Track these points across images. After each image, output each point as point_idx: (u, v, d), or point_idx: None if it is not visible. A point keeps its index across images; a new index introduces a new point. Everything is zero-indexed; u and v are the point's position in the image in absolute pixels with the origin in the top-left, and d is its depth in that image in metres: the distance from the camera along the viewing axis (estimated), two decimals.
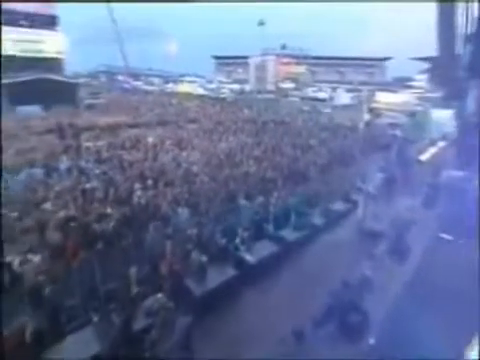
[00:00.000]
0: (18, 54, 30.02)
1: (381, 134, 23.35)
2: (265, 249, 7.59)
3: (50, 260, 5.98)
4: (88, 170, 11.50)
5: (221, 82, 74.49)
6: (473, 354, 3.80)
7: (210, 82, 74.31)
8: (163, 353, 4.11)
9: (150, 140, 16.80)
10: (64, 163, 11.98)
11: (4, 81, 28.04)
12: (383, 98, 42.45)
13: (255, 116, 29.57)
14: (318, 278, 6.61)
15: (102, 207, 8.01)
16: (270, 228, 8.49)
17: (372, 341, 4.63)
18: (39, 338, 4.32)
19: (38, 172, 10.96)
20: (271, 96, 56.47)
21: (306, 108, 39.88)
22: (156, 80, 77.96)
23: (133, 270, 5.62)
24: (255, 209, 8.92)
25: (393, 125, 26.60)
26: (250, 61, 72.72)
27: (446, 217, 8.76)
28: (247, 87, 69.11)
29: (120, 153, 14.00)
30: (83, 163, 12.31)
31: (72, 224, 6.86)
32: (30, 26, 30.43)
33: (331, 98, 53.57)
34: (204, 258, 6.39)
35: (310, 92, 60.11)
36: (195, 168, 11.99)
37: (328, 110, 38.97)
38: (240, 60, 77.27)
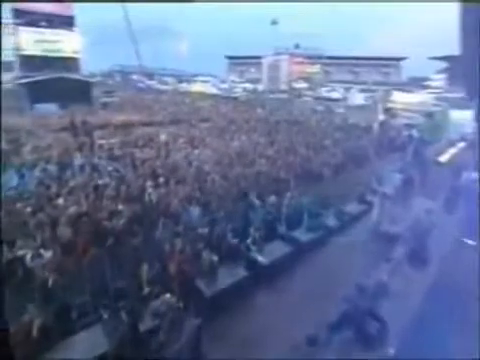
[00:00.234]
0: (38, 54, 30.76)
1: (396, 135, 22.76)
2: (278, 250, 7.40)
3: (61, 256, 5.98)
4: (101, 167, 11.59)
5: (234, 82, 74.43)
6: None
7: (223, 82, 74.38)
8: (171, 356, 4.00)
9: (163, 138, 16.87)
10: (78, 160, 12.12)
11: (24, 80, 28.95)
12: (399, 98, 41.45)
13: (268, 115, 29.36)
14: (332, 281, 6.37)
15: (113, 204, 8.00)
16: (283, 229, 8.30)
17: (392, 351, 4.38)
18: (46, 334, 4.28)
19: (52, 168, 11.12)
20: (284, 96, 55.98)
21: (319, 108, 39.34)
22: (170, 79, 78.63)
23: (143, 269, 5.55)
24: (267, 209, 8.75)
25: (409, 126, 25.94)
26: (263, 61, 72.37)
27: (468, 221, 8.35)
28: (260, 87, 68.79)
29: (133, 151, 14.07)
30: (96, 160, 12.43)
31: (83, 220, 6.85)
32: (49, 27, 31.12)
33: (345, 98, 52.70)
34: (215, 258, 6.28)
35: (323, 92, 59.37)
36: (207, 167, 11.91)
37: (342, 110, 38.31)
38: (253, 60, 77.08)
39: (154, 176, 10.48)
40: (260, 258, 6.98)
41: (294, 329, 5.10)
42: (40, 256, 5.90)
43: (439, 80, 57.41)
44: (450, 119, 24.92)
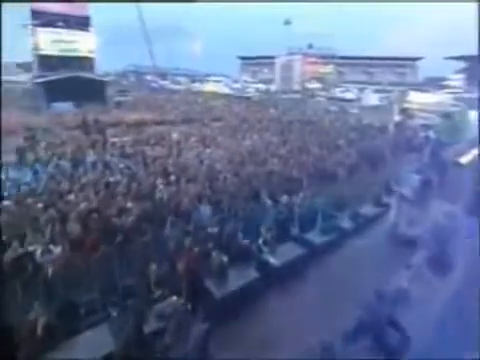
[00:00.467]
0: (55, 54, 31.43)
1: (413, 135, 22.09)
2: (290, 252, 7.14)
3: (69, 251, 5.92)
4: (112, 164, 11.61)
5: (246, 82, 74.29)
6: None
7: (236, 82, 74.35)
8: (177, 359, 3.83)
9: (174, 137, 16.84)
10: (90, 157, 12.18)
11: (40, 79, 29.64)
12: (415, 98, 40.39)
13: (280, 115, 29.05)
14: (347, 286, 6.09)
15: (124, 201, 7.92)
16: (295, 230, 8.04)
17: None
18: (51, 331, 4.19)
19: (66, 165, 11.20)
20: (297, 96, 55.43)
21: (333, 108, 38.71)
22: (182, 79, 79.21)
23: (151, 268, 5.42)
24: (279, 209, 8.50)
25: (426, 126, 25.16)
26: (276, 61, 71.96)
27: None
28: (272, 87, 68.38)
29: (144, 149, 14.07)
30: (108, 157, 12.47)
31: (93, 216, 6.79)
32: (66, 27, 31.75)
33: (359, 99, 51.76)
34: (225, 258, 6.09)
35: (337, 92, 58.52)
36: (219, 165, 11.76)
37: (355, 111, 37.58)
38: (266, 60, 76.75)
39: (165, 174, 10.40)
40: (272, 259, 6.75)
41: (307, 335, 4.86)
42: (50, 252, 5.87)
43: (457, 80, 55.73)
44: (469, 120, 24.01)
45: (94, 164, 11.45)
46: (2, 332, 4.10)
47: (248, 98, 50.98)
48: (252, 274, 6.21)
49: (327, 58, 70.66)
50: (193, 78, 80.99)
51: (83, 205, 7.38)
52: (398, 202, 9.10)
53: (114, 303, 5.11)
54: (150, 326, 4.55)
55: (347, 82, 67.00)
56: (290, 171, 11.66)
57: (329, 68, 71.27)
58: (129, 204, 7.67)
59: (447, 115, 28.30)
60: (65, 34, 31.99)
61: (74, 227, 6.52)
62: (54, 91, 28.29)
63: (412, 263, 6.33)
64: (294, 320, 5.39)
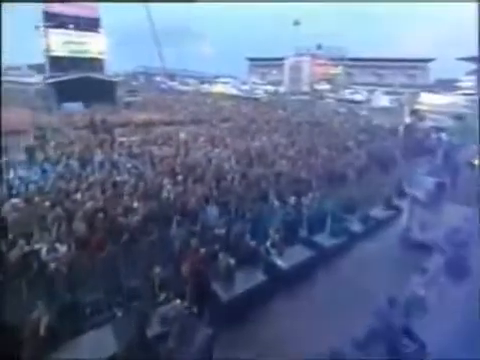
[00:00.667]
0: (66, 55, 31.87)
1: (424, 137, 21.65)
2: (298, 254, 6.96)
3: (75, 250, 5.87)
4: (120, 164, 11.60)
5: (255, 83, 74.16)
6: None
7: (244, 83, 74.30)
8: None
9: (182, 137, 16.82)
10: (98, 156, 12.21)
11: (51, 80, 30.09)
12: (426, 100, 39.68)
13: (289, 116, 28.84)
14: (358, 291, 5.88)
15: (131, 201, 7.87)
16: (304, 232, 7.86)
17: None
18: (54, 330, 4.11)
19: (74, 164, 11.25)
20: (306, 97, 55.05)
21: (342, 110, 38.30)
22: (191, 81, 79.55)
23: (156, 269, 5.31)
24: (288, 210, 8.31)
25: (437, 128, 24.64)
26: (285, 62, 71.64)
27: None
28: (281, 88, 68.08)
29: (152, 148, 14.06)
30: (116, 157, 12.48)
31: (99, 215, 6.73)
32: (76, 28, 32.19)
33: (368, 100, 51.11)
34: (232, 260, 5.95)
35: (346, 94, 57.91)
36: (227, 166, 11.64)
37: (365, 112, 37.08)
38: (274, 61, 76.52)
39: (172, 174, 10.33)
40: (279, 262, 6.59)
41: (315, 341, 4.68)
42: (55, 250, 5.83)
43: (469, 81, 54.52)
44: None
45: (102, 163, 11.47)
46: (6, 331, 4.06)
47: (256, 99, 50.86)
48: (259, 277, 6.06)
49: (336, 60, 70.10)
50: (202, 79, 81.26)
51: (90, 204, 7.35)
52: (411, 205, 8.81)
53: (119, 303, 5.03)
54: (153, 329, 4.44)
55: (357, 84, 66.29)
56: (298, 172, 11.47)
57: (338, 69, 70.68)
58: (136, 204, 7.61)
59: (459, 117, 27.71)
60: (76, 36, 32.44)
61: (80, 226, 6.48)
62: (65, 91, 28.70)
63: (427, 268, 6.07)
64: (302, 325, 5.21)
